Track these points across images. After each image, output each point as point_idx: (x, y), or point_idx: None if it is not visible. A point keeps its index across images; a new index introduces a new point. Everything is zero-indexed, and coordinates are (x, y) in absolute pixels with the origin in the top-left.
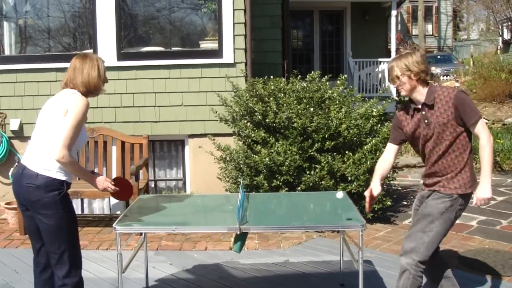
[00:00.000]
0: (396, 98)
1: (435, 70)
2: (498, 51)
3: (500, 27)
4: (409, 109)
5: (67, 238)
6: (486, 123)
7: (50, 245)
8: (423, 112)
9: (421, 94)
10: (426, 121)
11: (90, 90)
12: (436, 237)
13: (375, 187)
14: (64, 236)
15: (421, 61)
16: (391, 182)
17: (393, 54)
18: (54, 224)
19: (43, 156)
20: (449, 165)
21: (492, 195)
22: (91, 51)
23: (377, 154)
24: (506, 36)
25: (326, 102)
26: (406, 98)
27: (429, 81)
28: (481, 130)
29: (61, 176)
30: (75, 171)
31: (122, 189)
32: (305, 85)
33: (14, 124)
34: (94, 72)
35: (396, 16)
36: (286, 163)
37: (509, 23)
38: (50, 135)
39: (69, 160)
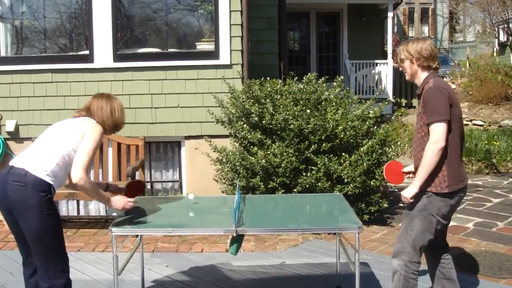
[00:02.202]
0: (393, 100)
1: None
2: (494, 53)
3: (496, 29)
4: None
5: (52, 240)
6: (482, 125)
7: (35, 247)
8: (419, 101)
9: (420, 81)
10: (418, 109)
11: (111, 127)
12: (419, 235)
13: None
14: (48, 239)
15: (426, 48)
16: (388, 184)
17: (389, 56)
18: (37, 226)
19: (39, 159)
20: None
21: (411, 197)
22: (87, 52)
23: (374, 156)
24: (502, 38)
25: (323, 103)
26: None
27: (434, 71)
28: (432, 133)
29: (49, 180)
30: (93, 193)
31: (135, 190)
32: (301, 86)
33: (10, 126)
34: (119, 112)
35: (393, 18)
36: (283, 164)
37: (505, 25)
38: (58, 146)
39: (88, 181)
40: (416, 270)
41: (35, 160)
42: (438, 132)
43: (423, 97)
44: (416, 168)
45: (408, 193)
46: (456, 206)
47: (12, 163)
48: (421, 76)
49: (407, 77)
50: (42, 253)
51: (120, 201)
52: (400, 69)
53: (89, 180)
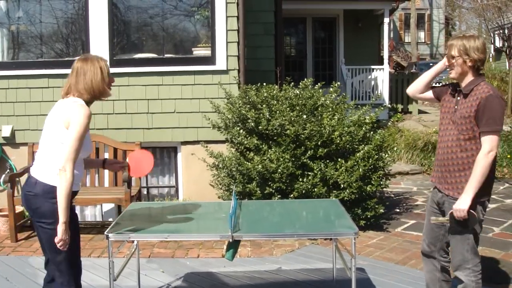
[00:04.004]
0: (389, 106)
1: None
2: (490, 58)
3: (492, 35)
4: (456, 88)
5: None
6: None
7: (50, 253)
8: (458, 98)
9: (466, 82)
10: (456, 107)
11: (96, 96)
12: (475, 240)
13: None
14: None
15: (482, 49)
16: (384, 189)
17: (385, 61)
18: (51, 233)
19: (43, 165)
20: (458, 163)
21: (467, 208)
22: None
23: (370, 161)
24: (498, 44)
25: (319, 109)
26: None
27: (481, 72)
28: (486, 142)
29: None
30: (65, 194)
31: (139, 163)
32: (298, 92)
33: (5, 131)
34: (97, 76)
35: (389, 24)
36: (279, 170)
37: (501, 31)
38: (51, 144)
39: (70, 175)
40: (481, 269)
41: (41, 166)
42: (493, 142)
43: (482, 103)
44: (440, 168)
45: (464, 205)
46: None
47: (30, 170)
48: (469, 77)
49: (454, 75)
50: (55, 260)
51: (67, 232)
52: (447, 64)
53: (71, 176)
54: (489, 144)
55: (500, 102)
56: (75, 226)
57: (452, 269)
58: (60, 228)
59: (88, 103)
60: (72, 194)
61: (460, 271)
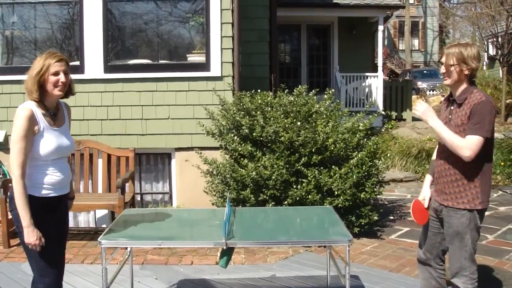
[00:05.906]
0: (383, 113)
1: (421, 85)
2: (484, 66)
3: (486, 43)
4: (449, 97)
5: (31, 250)
6: None
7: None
8: (452, 108)
9: (459, 90)
10: (450, 116)
11: (28, 95)
12: (473, 247)
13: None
14: (29, 250)
15: (478, 58)
16: (378, 196)
17: (379, 69)
18: (21, 234)
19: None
20: (455, 173)
21: (422, 112)
22: (77, 63)
23: (364, 168)
24: (492, 52)
25: (313, 116)
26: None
27: (473, 80)
28: (470, 141)
29: (29, 191)
30: (17, 198)
31: None
32: (292, 99)
33: None
34: (33, 73)
35: (383, 31)
36: (273, 177)
37: (494, 39)
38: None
39: (18, 180)
40: (477, 276)
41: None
42: (475, 143)
43: (473, 109)
44: (438, 180)
45: (423, 115)
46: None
47: None
48: (464, 85)
49: (449, 82)
50: (29, 263)
51: (32, 236)
52: (442, 71)
53: (21, 183)
54: (473, 143)
55: (490, 108)
56: (47, 234)
57: (450, 276)
58: (24, 232)
59: (40, 103)
60: (36, 200)
61: (458, 278)
